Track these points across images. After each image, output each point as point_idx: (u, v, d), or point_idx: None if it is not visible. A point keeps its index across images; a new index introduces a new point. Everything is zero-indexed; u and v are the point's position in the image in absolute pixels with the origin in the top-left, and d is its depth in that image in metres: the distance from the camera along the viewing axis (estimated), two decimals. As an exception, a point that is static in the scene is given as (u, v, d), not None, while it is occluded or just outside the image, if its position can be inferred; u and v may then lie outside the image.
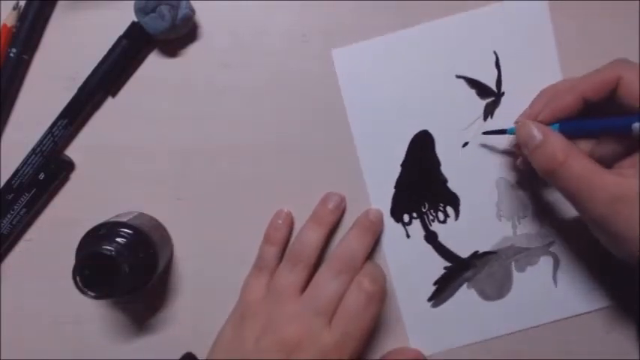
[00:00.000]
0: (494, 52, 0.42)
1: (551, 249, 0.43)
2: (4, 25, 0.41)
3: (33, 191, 0.41)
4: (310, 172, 0.42)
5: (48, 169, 0.41)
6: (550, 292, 0.43)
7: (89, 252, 0.35)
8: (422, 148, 0.42)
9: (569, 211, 0.41)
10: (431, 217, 0.43)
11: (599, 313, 0.43)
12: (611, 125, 0.36)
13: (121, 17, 0.41)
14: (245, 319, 0.39)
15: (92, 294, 0.35)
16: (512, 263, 0.43)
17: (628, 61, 0.37)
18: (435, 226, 0.43)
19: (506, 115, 0.42)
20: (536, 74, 0.42)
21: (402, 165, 0.42)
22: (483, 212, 0.43)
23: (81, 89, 0.41)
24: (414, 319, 0.43)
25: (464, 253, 0.43)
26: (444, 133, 0.42)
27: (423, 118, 0.42)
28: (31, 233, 0.43)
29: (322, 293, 0.39)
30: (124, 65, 0.41)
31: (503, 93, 0.42)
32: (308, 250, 0.40)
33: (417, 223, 0.43)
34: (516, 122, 0.40)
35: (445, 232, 0.43)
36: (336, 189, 0.42)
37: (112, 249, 0.35)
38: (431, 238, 0.43)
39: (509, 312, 0.43)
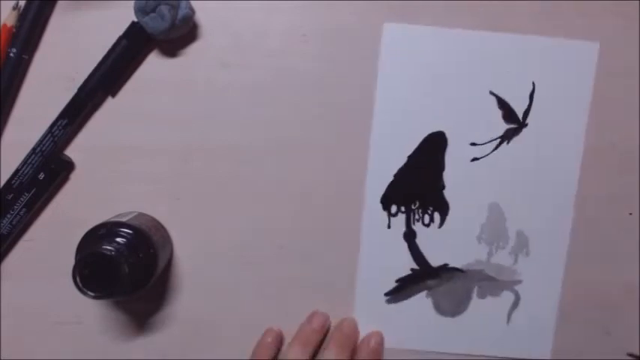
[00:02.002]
0: (533, 83, 0.42)
1: (517, 287, 0.43)
2: (4, 25, 0.41)
3: (33, 191, 0.41)
4: (310, 172, 0.42)
5: (48, 169, 0.41)
6: (500, 328, 0.43)
7: (89, 252, 0.35)
8: (433, 147, 0.42)
9: (543, 259, 0.42)
10: (416, 217, 0.43)
11: (598, 313, 0.43)
12: None
13: (121, 17, 0.41)
14: None
15: (92, 294, 0.35)
16: (476, 287, 0.43)
17: None
18: (417, 227, 0.43)
19: (523, 146, 0.42)
20: (562, 116, 0.42)
21: (409, 157, 0.42)
22: (466, 230, 0.43)
23: (81, 89, 0.41)
24: (366, 307, 0.43)
25: (434, 261, 0.43)
26: (458, 141, 0.42)
27: (444, 119, 0.42)
28: (31, 233, 0.43)
29: None
30: (124, 65, 0.41)
31: (527, 124, 0.42)
32: None
33: (401, 218, 0.43)
34: None
35: (424, 236, 0.43)
36: (336, 189, 0.42)
37: (112, 249, 0.35)
38: (409, 236, 0.43)
39: (458, 332, 0.43)
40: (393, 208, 0.43)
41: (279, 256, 0.43)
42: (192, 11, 0.40)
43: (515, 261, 0.43)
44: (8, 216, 0.41)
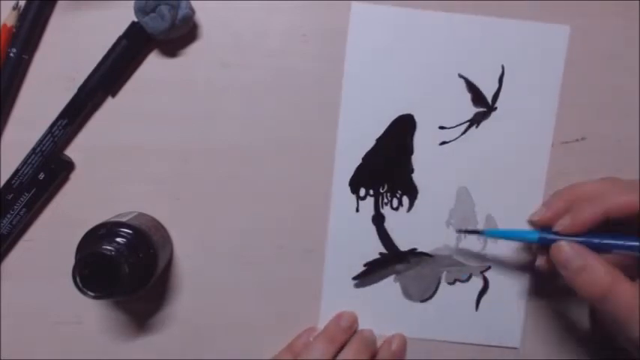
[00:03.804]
0: (502, 66, 0.42)
1: (485, 274, 0.43)
2: (4, 25, 0.41)
3: (33, 191, 0.41)
4: (310, 172, 0.42)
5: (48, 169, 0.41)
6: (469, 314, 0.43)
7: (89, 252, 0.35)
8: (402, 130, 0.42)
9: (512, 245, 0.42)
10: (385, 200, 0.43)
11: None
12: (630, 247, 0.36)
13: (121, 17, 0.41)
14: None
15: (92, 294, 0.35)
16: (444, 273, 0.43)
17: None
18: (386, 211, 0.43)
19: (492, 130, 0.42)
20: (532, 100, 0.42)
21: (378, 140, 0.42)
22: (435, 214, 0.43)
23: (81, 89, 0.41)
24: (334, 291, 0.43)
25: (403, 246, 0.43)
26: (427, 124, 0.42)
27: (413, 102, 0.42)
28: (31, 233, 0.43)
29: None
30: (124, 65, 0.41)
31: (495, 108, 0.42)
32: None
33: (370, 201, 0.43)
34: (529, 222, 0.40)
35: (393, 220, 0.43)
36: (335, 189, 0.42)
37: (112, 249, 0.35)
38: (378, 220, 0.43)
39: (426, 318, 0.43)
40: (362, 192, 0.42)
41: (279, 256, 0.43)
42: (192, 11, 0.40)
43: (484, 247, 0.43)
44: (8, 216, 0.41)
